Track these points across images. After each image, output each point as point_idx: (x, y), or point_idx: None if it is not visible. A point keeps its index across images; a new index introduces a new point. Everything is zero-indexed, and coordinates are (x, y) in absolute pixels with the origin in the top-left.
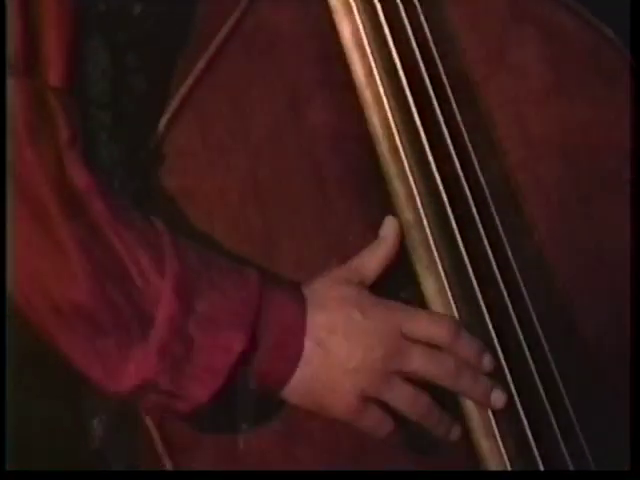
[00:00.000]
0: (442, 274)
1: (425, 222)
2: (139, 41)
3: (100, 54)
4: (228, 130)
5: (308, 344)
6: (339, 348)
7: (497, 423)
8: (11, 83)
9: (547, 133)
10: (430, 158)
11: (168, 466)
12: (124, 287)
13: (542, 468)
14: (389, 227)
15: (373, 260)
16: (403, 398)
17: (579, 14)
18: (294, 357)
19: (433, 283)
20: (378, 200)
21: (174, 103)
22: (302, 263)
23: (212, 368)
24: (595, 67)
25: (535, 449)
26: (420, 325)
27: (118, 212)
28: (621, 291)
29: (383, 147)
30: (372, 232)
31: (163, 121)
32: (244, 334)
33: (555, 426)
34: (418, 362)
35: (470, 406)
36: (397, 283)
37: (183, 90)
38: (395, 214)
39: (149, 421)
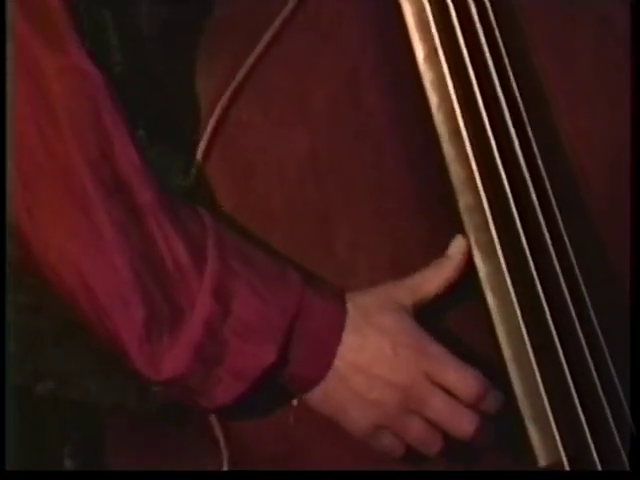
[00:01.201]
0: (500, 255)
1: (485, 205)
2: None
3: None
4: (289, 106)
5: (335, 362)
6: (362, 377)
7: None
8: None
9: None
10: (492, 141)
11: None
12: (159, 278)
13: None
14: (457, 247)
15: (434, 281)
16: (415, 435)
17: None
18: (322, 369)
19: (489, 265)
20: (435, 184)
21: (238, 77)
22: (356, 244)
23: (240, 374)
24: None
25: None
26: (448, 376)
27: (163, 201)
28: None
29: (442, 130)
30: (427, 218)
31: (226, 94)
32: (276, 345)
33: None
34: (436, 411)
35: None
36: None
37: (246, 65)
38: (454, 199)
39: None
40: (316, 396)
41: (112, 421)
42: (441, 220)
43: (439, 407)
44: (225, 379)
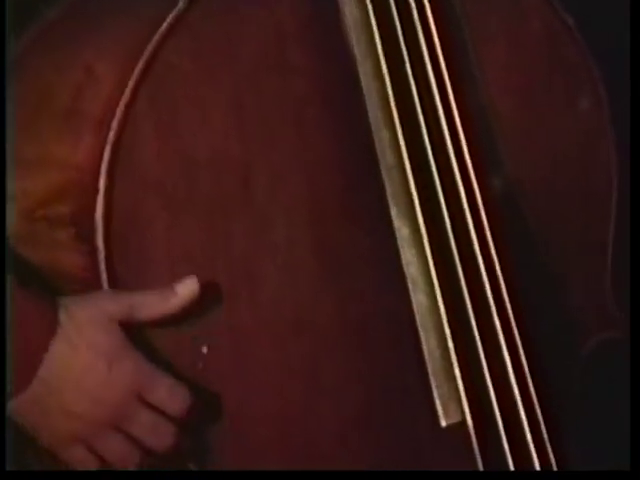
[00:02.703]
0: (420, 219)
1: (408, 167)
2: None
3: None
4: (217, 55)
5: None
6: (70, 390)
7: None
8: None
9: None
10: (417, 102)
11: None
12: None
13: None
14: (188, 288)
15: (152, 310)
16: (112, 451)
17: None
18: (26, 376)
19: (408, 227)
20: (358, 142)
21: (169, 20)
22: (276, 198)
23: None
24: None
25: None
26: (158, 393)
27: None
28: None
29: (368, 90)
30: (347, 176)
31: (156, 36)
32: None
33: None
34: (140, 427)
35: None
36: None
37: (178, 9)
38: (376, 160)
39: None
40: (22, 402)
41: None
42: (362, 179)
43: (144, 424)
44: None
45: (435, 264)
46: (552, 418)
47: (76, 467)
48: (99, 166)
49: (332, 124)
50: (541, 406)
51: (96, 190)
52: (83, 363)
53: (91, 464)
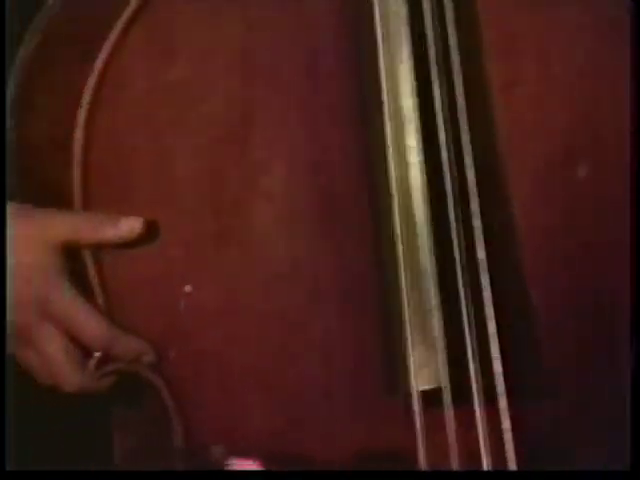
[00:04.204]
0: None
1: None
2: None
3: None
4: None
5: None
6: None
7: None
8: None
9: None
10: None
11: None
12: None
13: None
14: (129, 225)
15: (89, 234)
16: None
17: None
18: None
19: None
20: (366, 96)
21: None
22: (275, 144)
23: None
24: None
25: None
26: (76, 322)
27: None
28: None
29: (385, 55)
30: (356, 130)
31: None
32: None
33: None
34: (46, 357)
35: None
36: None
37: None
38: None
39: None
40: None
41: None
42: (370, 132)
43: (46, 356)
44: None
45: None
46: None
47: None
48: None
49: (344, 79)
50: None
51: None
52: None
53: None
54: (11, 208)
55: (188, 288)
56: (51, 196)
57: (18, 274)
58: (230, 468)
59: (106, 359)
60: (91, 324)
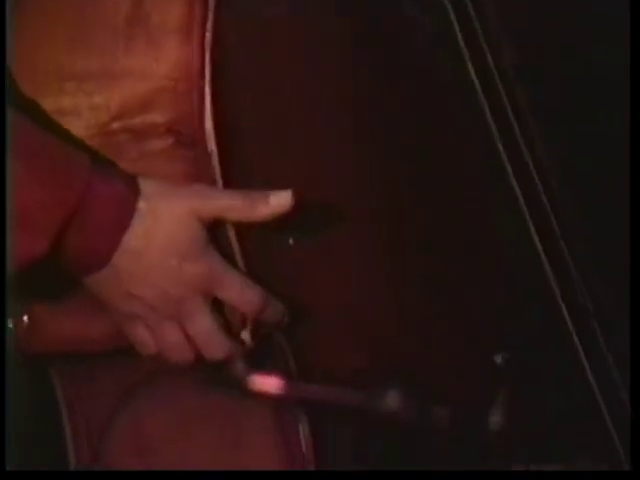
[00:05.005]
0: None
1: None
2: None
3: None
4: None
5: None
6: (135, 278)
7: None
8: None
9: None
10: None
11: None
12: None
13: None
14: (280, 200)
15: (240, 213)
16: (168, 341)
17: None
18: (101, 258)
19: None
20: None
21: None
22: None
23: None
24: None
25: None
26: (231, 293)
27: None
28: None
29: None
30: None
31: None
32: (48, 239)
33: None
34: (194, 331)
35: None
36: None
37: None
38: None
39: None
40: (91, 282)
41: None
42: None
43: (201, 327)
44: None
45: None
46: None
47: (137, 345)
48: (197, 73)
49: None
50: None
51: (201, 97)
52: (155, 257)
53: (150, 345)
54: (147, 187)
55: (291, 241)
56: None
57: (174, 249)
58: (251, 385)
59: (257, 325)
60: (248, 291)
